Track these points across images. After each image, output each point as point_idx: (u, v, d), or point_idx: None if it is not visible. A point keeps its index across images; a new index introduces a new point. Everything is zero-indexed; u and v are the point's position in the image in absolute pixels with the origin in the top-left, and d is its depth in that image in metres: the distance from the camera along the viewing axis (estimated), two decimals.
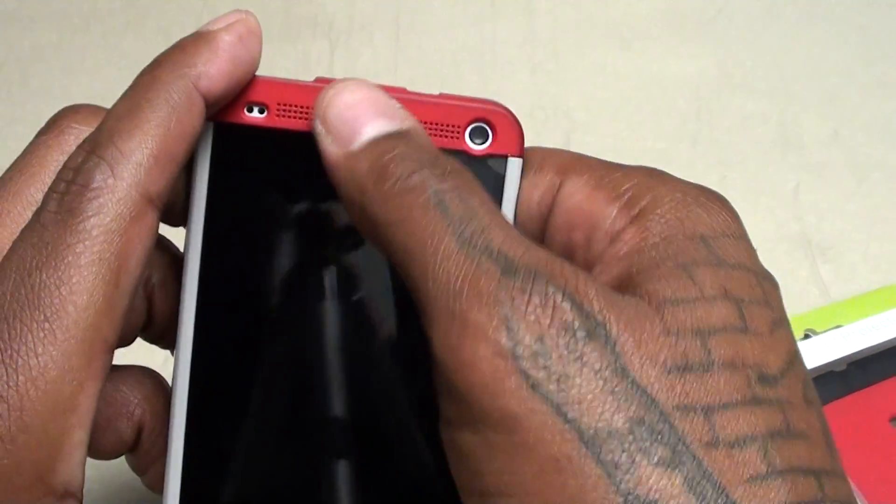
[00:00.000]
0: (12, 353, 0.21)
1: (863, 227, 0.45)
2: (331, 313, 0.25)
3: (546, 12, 0.55)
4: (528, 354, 0.20)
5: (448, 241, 0.21)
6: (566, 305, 0.20)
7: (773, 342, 0.22)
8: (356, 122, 0.23)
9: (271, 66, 0.56)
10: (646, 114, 0.49)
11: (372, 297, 0.26)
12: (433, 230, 0.21)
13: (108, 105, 0.24)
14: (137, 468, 0.27)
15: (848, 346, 0.36)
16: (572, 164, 0.26)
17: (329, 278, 0.26)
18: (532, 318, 0.20)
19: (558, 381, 0.19)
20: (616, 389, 0.19)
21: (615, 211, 0.24)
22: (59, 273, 0.21)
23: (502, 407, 0.19)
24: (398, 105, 0.23)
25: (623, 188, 0.25)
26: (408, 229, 0.21)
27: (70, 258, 0.21)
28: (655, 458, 0.19)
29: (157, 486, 0.26)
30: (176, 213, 0.26)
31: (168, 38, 0.56)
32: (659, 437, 0.19)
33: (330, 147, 0.23)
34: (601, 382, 0.19)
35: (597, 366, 0.20)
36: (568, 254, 0.25)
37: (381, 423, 0.25)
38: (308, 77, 0.28)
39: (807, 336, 0.39)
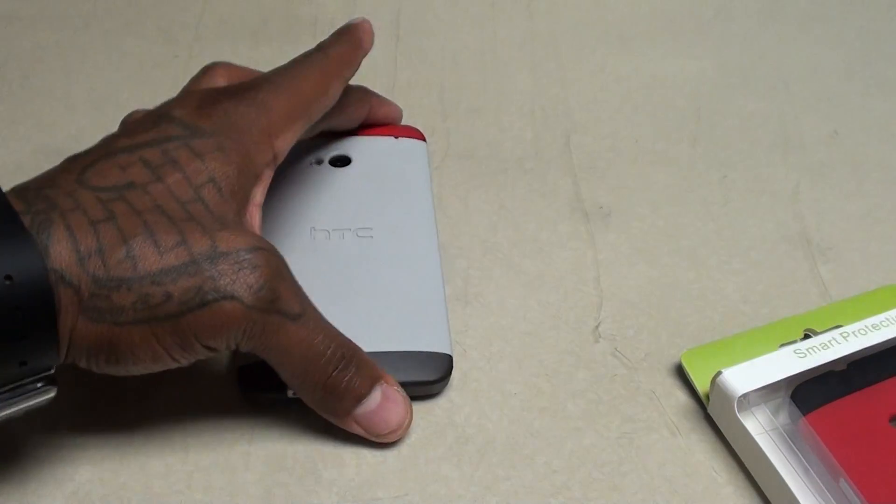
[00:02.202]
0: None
1: (863, 227, 0.45)
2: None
3: (546, 12, 0.55)
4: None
5: None
6: None
7: None
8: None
9: (272, 67, 0.57)
10: (646, 114, 0.50)
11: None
12: None
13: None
14: None
15: (848, 345, 0.36)
16: None
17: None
18: None
19: None
20: None
21: None
22: None
23: None
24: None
25: None
26: None
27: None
28: None
29: None
30: None
31: (168, 37, 0.57)
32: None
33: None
34: None
35: None
36: None
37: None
38: None
39: (806, 336, 0.39)
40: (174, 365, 0.32)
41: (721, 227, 0.44)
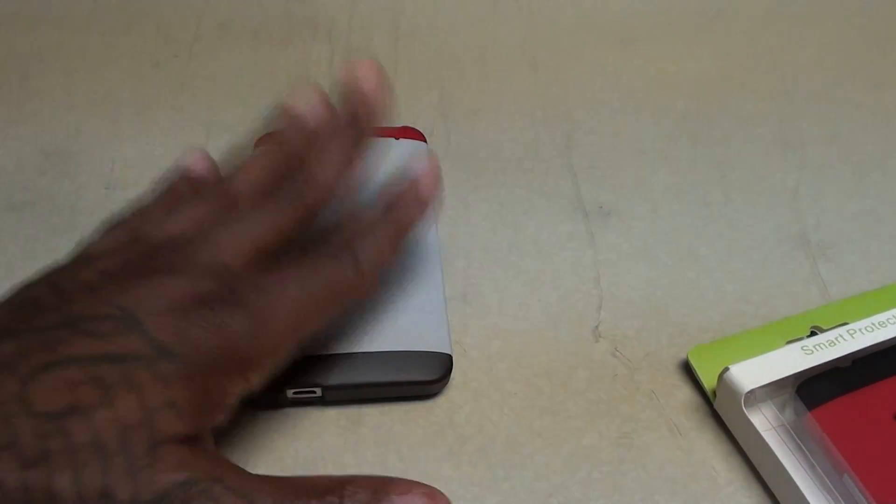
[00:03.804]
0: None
1: (863, 227, 0.45)
2: None
3: (546, 12, 0.55)
4: None
5: None
6: None
7: None
8: None
9: (272, 68, 0.57)
10: (646, 114, 0.50)
11: None
12: None
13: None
14: None
15: (854, 342, 0.36)
16: None
17: None
18: None
19: None
20: None
21: None
22: None
23: None
24: None
25: None
26: None
27: None
28: None
29: None
30: None
31: (168, 38, 0.56)
32: None
33: None
34: None
35: None
36: None
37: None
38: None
39: (813, 333, 0.39)
40: None
41: (721, 227, 0.44)
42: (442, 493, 0.30)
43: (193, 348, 0.29)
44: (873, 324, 0.37)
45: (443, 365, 0.37)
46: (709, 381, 0.37)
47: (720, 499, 0.35)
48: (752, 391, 0.35)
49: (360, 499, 0.29)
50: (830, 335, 0.37)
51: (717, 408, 0.37)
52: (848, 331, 0.37)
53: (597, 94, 0.50)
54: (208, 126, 0.48)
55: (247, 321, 0.30)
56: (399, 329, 0.37)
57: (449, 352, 0.37)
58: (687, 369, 0.39)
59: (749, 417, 0.35)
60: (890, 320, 0.37)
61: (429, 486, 0.30)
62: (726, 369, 0.36)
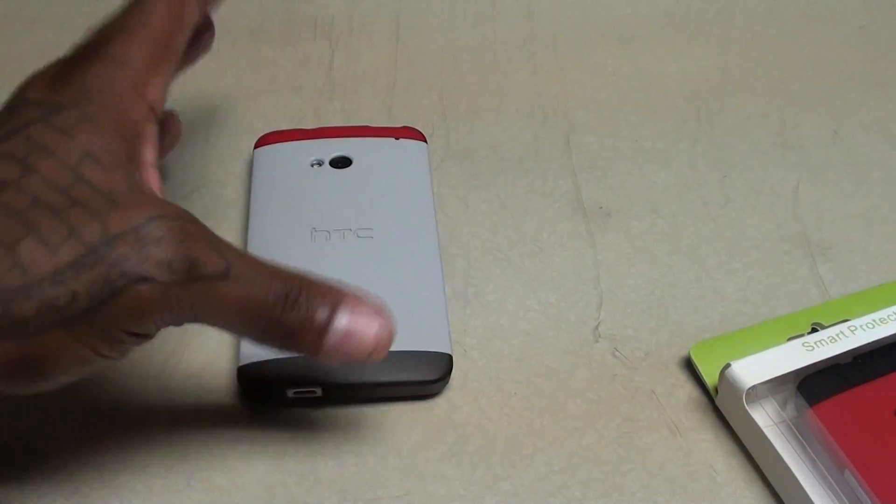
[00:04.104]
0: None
1: (863, 227, 0.45)
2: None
3: (546, 12, 0.55)
4: None
5: None
6: None
7: None
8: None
9: (272, 67, 0.57)
10: (646, 114, 0.50)
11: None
12: None
13: None
14: None
15: (855, 339, 0.36)
16: None
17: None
18: None
19: None
20: None
21: None
22: None
23: None
24: None
25: None
26: None
27: None
28: None
29: None
30: None
31: None
32: None
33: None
34: None
35: None
36: None
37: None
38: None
39: (814, 329, 0.39)
40: (107, 362, 0.29)
41: (721, 227, 0.44)
42: (386, 313, 0.32)
43: (78, 92, 0.31)
44: (874, 320, 0.37)
45: (443, 365, 0.37)
46: (711, 378, 0.37)
47: (720, 498, 0.35)
48: (753, 387, 0.35)
49: (325, 308, 0.30)
50: (831, 332, 0.37)
51: (719, 404, 0.37)
52: (849, 327, 0.37)
53: (597, 94, 0.50)
54: (208, 126, 0.48)
55: (112, 47, 0.32)
56: (399, 329, 0.37)
57: (449, 352, 0.37)
58: (687, 369, 0.39)
59: (750, 413, 0.35)
60: (891, 317, 0.37)
61: (376, 304, 0.32)
62: (728, 365, 0.36)
